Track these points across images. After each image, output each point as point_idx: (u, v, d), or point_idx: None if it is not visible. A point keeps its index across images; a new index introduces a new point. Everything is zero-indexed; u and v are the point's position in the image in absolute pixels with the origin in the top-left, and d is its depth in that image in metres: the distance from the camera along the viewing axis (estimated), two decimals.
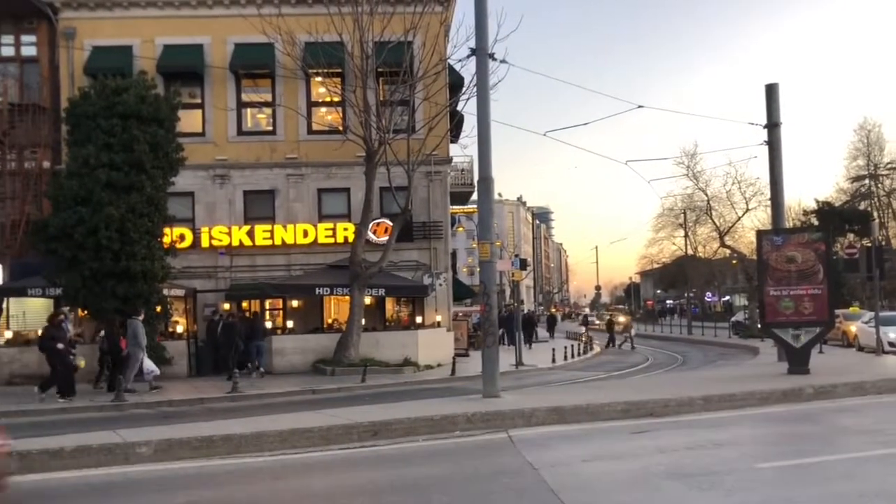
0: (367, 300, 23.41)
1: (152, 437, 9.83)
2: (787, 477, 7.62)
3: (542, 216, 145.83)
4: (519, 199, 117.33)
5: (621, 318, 57.18)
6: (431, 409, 11.85)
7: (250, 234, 24.66)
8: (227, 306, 24.57)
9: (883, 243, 44.59)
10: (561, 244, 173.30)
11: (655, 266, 68.98)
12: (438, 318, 25.41)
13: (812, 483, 7.31)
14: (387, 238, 23.03)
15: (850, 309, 32.49)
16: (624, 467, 8.24)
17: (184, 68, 25.00)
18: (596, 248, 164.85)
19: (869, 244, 23.92)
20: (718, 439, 9.80)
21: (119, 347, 18.16)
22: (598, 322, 65.86)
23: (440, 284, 25.22)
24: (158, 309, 20.84)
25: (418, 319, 25.30)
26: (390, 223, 23.38)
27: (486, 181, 13.55)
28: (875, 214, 46.97)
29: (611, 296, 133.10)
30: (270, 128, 25.81)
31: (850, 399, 13.10)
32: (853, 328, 27.99)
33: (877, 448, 8.79)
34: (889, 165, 50.07)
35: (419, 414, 11.32)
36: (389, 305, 26.64)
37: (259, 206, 25.48)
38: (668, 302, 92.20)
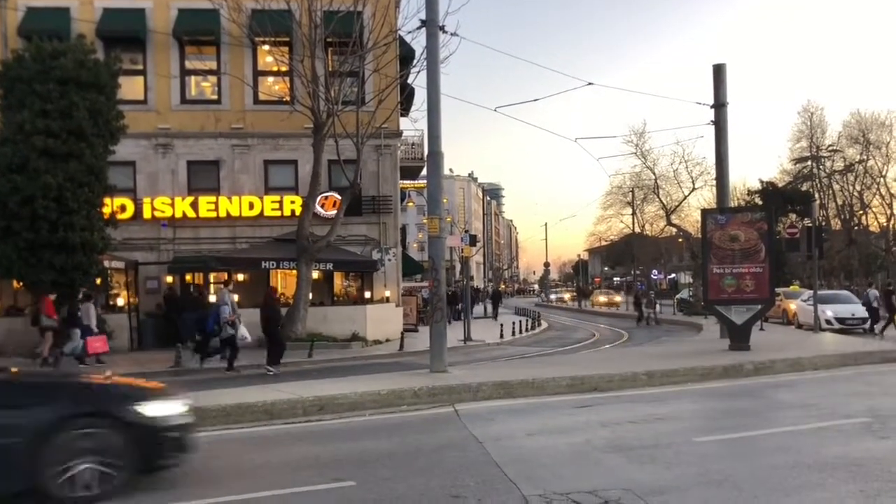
0: (315, 274, 23.23)
1: None
2: (725, 450, 7.88)
3: (492, 192, 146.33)
4: (470, 174, 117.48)
5: (601, 298, 59.02)
6: (378, 384, 11.89)
7: (194, 205, 24.17)
8: (169, 279, 24.14)
9: (823, 224, 46.00)
10: (511, 221, 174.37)
11: (603, 243, 69.97)
12: (387, 293, 25.39)
13: (748, 456, 7.56)
14: (335, 212, 22.83)
15: (791, 287, 33.49)
16: (567, 441, 8.40)
17: (125, 33, 24.22)
18: (545, 224, 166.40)
19: (809, 224, 24.62)
20: (660, 414, 10.06)
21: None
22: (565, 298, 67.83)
23: (389, 259, 25.15)
24: (98, 281, 20.36)
25: (367, 294, 25.23)
26: (338, 197, 23.17)
27: (435, 156, 13.52)
28: (816, 195, 48.36)
29: (559, 273, 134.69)
30: (215, 97, 25.23)
31: (787, 375, 13.58)
32: (793, 306, 28.88)
33: (811, 422, 9.14)
34: (830, 148, 51.45)
35: (366, 389, 11.35)
36: (338, 280, 26.49)
37: (203, 177, 24.97)
38: (615, 279, 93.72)
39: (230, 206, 24.31)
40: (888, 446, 7.67)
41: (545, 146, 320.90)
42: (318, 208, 23.35)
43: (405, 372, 14.15)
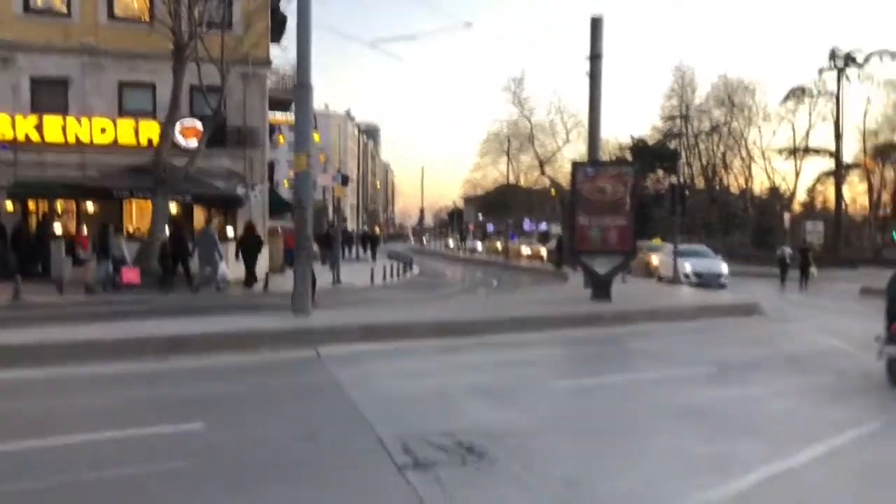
0: (173, 208, 22.25)
1: None
2: (582, 395, 8.24)
3: (370, 132, 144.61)
4: (347, 112, 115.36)
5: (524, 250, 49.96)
6: (236, 324, 11.60)
7: (38, 127, 22.40)
8: (9, 206, 22.44)
9: (687, 182, 48.53)
10: (388, 163, 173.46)
11: (479, 192, 70.93)
12: None
13: (603, 401, 7.94)
14: (196, 141, 21.82)
15: (653, 241, 35.20)
16: (431, 384, 8.52)
17: None
18: (422, 169, 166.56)
19: (675, 182, 25.88)
20: (522, 359, 10.39)
21: (187, 250, 19.65)
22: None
23: (255, 196, 24.42)
24: None
25: (230, 232, 24.45)
26: (200, 126, 22.14)
27: (304, 87, 13.10)
28: (683, 154, 50.86)
29: (435, 219, 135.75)
30: (64, 8, 23.31)
31: (645, 324, 14.27)
32: (655, 260, 30.42)
33: (663, 369, 9.65)
34: (699, 108, 54.12)
35: (222, 329, 11.05)
36: (199, 215, 25.47)
37: (50, 97, 23.13)
38: (489, 227, 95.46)
39: (80, 129, 22.73)
40: (729, 394, 8.23)
41: (425, 89, 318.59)
42: (178, 137, 22.25)
43: (267, 313, 13.88)
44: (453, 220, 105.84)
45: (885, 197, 53.09)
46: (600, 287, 16.45)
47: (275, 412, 7.11)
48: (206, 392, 7.99)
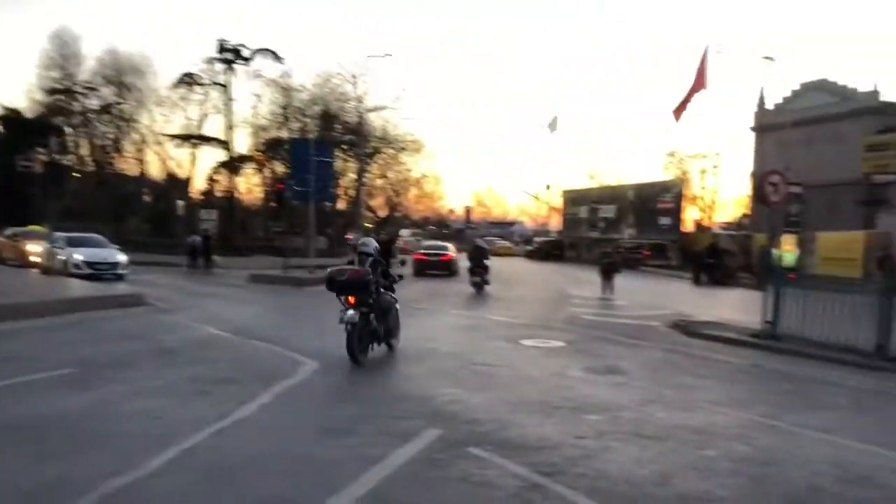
0: None
1: None
2: None
3: None
4: None
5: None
6: None
7: None
8: None
9: (77, 164, 45.87)
10: None
11: None
12: None
13: None
14: None
15: (33, 227, 32.00)
16: None
17: None
18: None
19: (48, 160, 23.85)
20: None
21: None
22: None
23: None
24: None
25: None
26: None
27: None
28: (71, 132, 47.72)
29: None
30: None
31: (4, 323, 12.55)
32: (35, 248, 27.51)
33: (9, 376, 8.33)
34: (87, 84, 51.04)
35: None
36: None
37: None
38: None
39: None
40: (86, 398, 7.46)
41: None
42: None
43: None
44: None
45: (275, 188, 57.65)
46: None
47: None
48: None
